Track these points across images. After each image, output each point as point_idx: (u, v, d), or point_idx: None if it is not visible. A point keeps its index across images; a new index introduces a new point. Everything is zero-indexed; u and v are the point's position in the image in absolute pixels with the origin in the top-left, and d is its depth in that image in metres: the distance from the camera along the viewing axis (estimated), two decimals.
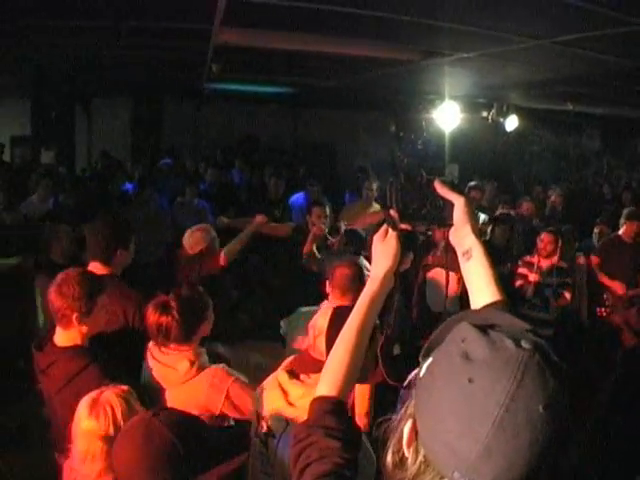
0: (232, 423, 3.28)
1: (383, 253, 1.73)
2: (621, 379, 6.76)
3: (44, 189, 8.11)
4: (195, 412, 3.02)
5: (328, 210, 6.52)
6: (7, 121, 13.47)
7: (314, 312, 4.02)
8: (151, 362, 3.21)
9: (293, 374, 2.70)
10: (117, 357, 3.21)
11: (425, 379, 1.14)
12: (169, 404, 3.11)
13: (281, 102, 14.90)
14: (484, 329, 1.09)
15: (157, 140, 14.85)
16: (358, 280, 4.13)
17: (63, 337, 3.12)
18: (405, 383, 1.89)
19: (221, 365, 3.22)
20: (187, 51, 7.57)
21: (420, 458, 1.13)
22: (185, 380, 3.10)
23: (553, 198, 9.42)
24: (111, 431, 2.34)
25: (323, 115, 15.66)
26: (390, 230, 1.75)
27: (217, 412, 3.09)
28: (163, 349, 3.18)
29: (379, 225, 1.78)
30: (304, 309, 4.32)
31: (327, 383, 1.62)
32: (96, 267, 3.84)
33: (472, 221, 1.70)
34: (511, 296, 5.47)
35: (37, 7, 5.36)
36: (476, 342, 1.07)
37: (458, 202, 1.70)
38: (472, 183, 9.70)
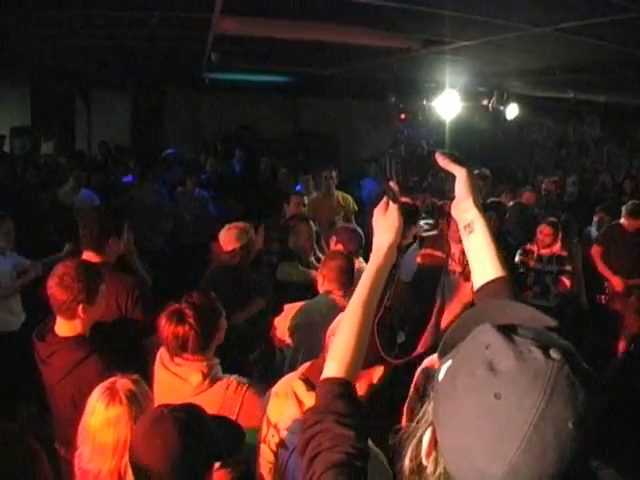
0: None
1: (385, 226, 1.69)
2: (624, 365, 6.82)
3: (75, 179, 8.13)
4: None
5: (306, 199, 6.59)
6: (7, 112, 13.45)
7: (309, 308, 4.03)
8: (161, 371, 3.07)
9: (311, 384, 2.52)
10: (115, 346, 3.21)
11: (445, 386, 1.07)
12: None
13: (281, 91, 14.89)
14: (509, 334, 1.03)
15: (157, 130, 14.82)
16: (352, 270, 4.15)
17: (65, 327, 3.12)
18: (417, 373, 1.86)
19: (234, 375, 3.07)
20: (187, 40, 7.55)
21: (440, 469, 1.09)
22: (197, 393, 2.95)
23: (544, 185, 9.41)
24: (137, 416, 2.33)
25: (324, 104, 15.63)
26: (391, 203, 1.70)
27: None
28: (176, 359, 3.03)
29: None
30: (295, 305, 4.28)
31: (335, 363, 1.57)
32: (89, 256, 3.85)
33: (474, 194, 1.66)
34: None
35: None
36: (502, 351, 1.01)
37: (460, 174, 1.66)
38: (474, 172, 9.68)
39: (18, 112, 13.50)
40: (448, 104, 10.18)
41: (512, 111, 10.87)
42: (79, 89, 13.84)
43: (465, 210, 1.65)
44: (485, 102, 10.92)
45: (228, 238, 5.11)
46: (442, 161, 1.66)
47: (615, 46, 5.76)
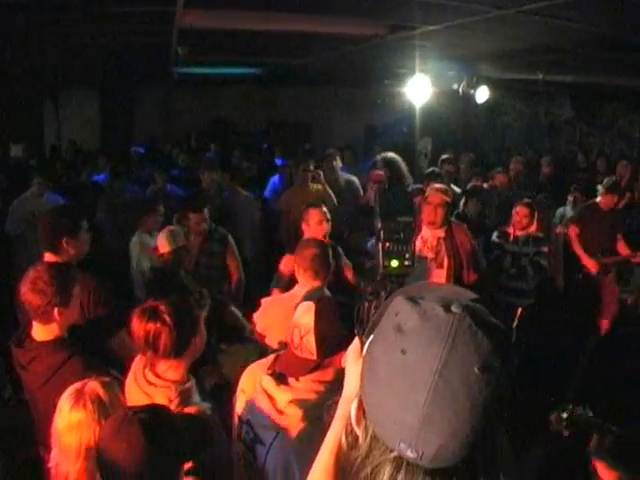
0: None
1: (356, 376, 1.57)
2: (602, 344, 6.91)
3: (38, 186, 7.84)
4: None
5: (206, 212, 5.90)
6: None
7: (287, 300, 3.92)
8: (131, 384, 2.85)
9: (280, 379, 2.56)
10: (90, 347, 3.19)
11: (365, 357, 1.17)
12: None
13: (252, 83, 14.82)
14: (416, 300, 1.10)
15: (128, 128, 14.71)
16: (328, 258, 4.11)
17: (42, 331, 3.11)
18: None
19: (205, 406, 2.77)
20: (152, 35, 7.47)
21: (370, 433, 1.14)
22: None
23: (512, 166, 9.47)
24: (101, 420, 2.32)
25: (296, 94, 15.62)
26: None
27: None
28: (148, 375, 2.79)
29: None
30: (273, 299, 4.25)
31: None
32: (49, 257, 3.88)
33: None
34: (489, 267, 5.49)
35: None
36: (408, 314, 1.08)
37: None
38: (445, 156, 9.73)
39: None
40: (419, 90, 10.18)
41: (482, 94, 10.88)
42: (47, 89, 13.69)
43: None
44: (455, 86, 10.92)
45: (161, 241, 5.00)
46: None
47: (579, 26, 5.78)
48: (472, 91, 10.55)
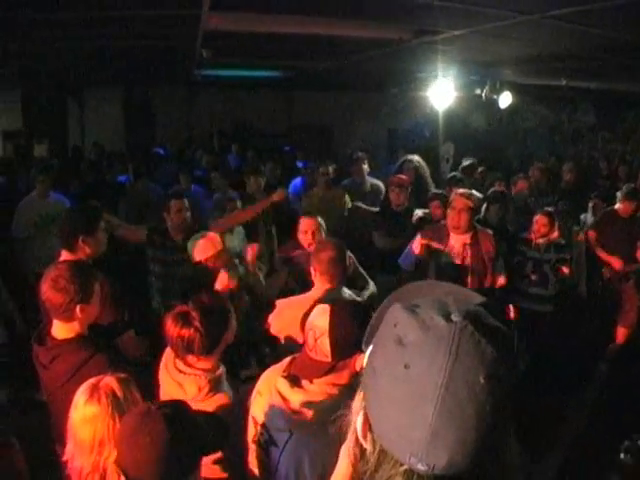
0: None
1: None
2: (623, 351, 6.87)
3: (41, 184, 7.79)
4: None
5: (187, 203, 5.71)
6: None
7: (303, 302, 3.86)
8: (164, 374, 3.03)
9: (294, 381, 2.56)
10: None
11: (366, 370, 1.14)
12: None
13: (275, 86, 14.86)
14: (414, 310, 1.08)
15: (150, 128, 14.79)
16: (344, 259, 4.07)
17: (63, 330, 3.10)
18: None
19: (230, 394, 2.96)
20: (177, 38, 7.52)
21: (378, 448, 1.12)
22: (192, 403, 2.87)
23: (531, 172, 9.41)
24: (115, 415, 2.34)
25: (317, 97, 15.62)
26: None
27: None
28: (179, 364, 2.97)
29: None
30: (289, 300, 4.21)
31: None
32: (65, 255, 3.94)
33: None
34: (510, 274, 5.45)
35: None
36: (407, 325, 1.06)
37: None
38: (465, 164, 9.71)
39: (10, 115, 13.46)
40: (442, 94, 10.16)
41: (505, 99, 10.83)
42: (71, 90, 13.79)
43: None
44: (478, 91, 10.88)
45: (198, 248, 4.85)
46: None
47: (605, 32, 5.75)
48: (495, 96, 10.51)
